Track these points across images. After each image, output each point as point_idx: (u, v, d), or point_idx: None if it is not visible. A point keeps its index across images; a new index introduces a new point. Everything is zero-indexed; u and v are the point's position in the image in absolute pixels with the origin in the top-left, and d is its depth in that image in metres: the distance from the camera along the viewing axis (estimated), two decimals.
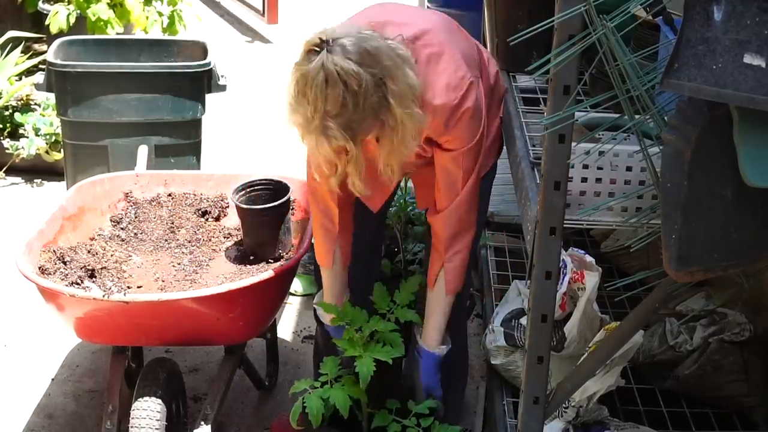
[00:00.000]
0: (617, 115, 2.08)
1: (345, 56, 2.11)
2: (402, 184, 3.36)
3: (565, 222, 1.91)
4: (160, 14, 5.27)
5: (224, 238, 3.16)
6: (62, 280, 2.75)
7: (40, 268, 2.75)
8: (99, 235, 3.07)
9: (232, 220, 3.22)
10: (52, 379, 3.27)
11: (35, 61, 4.93)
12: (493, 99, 2.58)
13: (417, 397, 2.62)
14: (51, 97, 4.40)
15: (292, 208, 3.15)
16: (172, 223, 3.16)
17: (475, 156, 2.41)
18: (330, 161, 2.25)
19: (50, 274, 2.75)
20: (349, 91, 2.10)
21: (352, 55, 2.11)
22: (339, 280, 2.67)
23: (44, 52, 4.25)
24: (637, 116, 1.75)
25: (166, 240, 3.11)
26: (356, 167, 2.23)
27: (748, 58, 1.38)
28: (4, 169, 4.64)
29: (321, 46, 2.12)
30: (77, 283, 2.76)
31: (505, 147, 2.68)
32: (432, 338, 2.58)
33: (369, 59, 2.13)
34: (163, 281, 2.87)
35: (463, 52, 2.39)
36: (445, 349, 2.59)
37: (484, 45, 3.35)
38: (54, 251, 2.85)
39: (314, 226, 2.65)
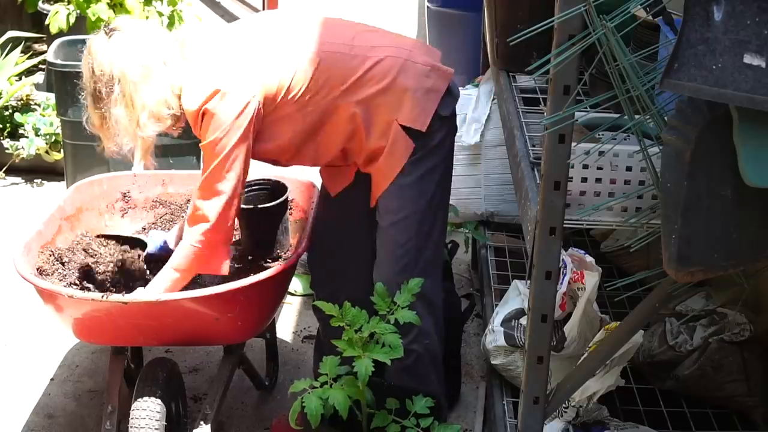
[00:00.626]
0: (617, 115, 2.08)
1: (109, 45, 2.55)
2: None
3: (565, 222, 1.91)
4: (160, 14, 5.27)
5: None
6: (60, 281, 2.75)
7: (38, 269, 2.75)
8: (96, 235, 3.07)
9: None
10: (52, 379, 3.27)
11: (35, 61, 4.93)
12: (377, 97, 2.61)
13: None
14: (51, 97, 4.40)
15: (290, 208, 3.15)
16: (172, 223, 3.16)
17: (209, 155, 2.60)
18: (98, 123, 2.65)
19: (48, 275, 2.75)
20: (92, 72, 2.56)
21: (112, 47, 2.55)
22: None
23: (44, 52, 4.25)
24: (637, 116, 1.75)
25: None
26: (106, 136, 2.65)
27: (748, 58, 1.38)
28: (4, 169, 4.64)
29: (105, 28, 2.59)
30: (75, 284, 2.76)
31: (506, 147, 2.68)
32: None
33: (122, 59, 2.54)
34: None
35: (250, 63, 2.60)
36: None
37: (484, 45, 3.35)
38: (52, 252, 2.84)
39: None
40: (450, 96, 2.69)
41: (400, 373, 2.75)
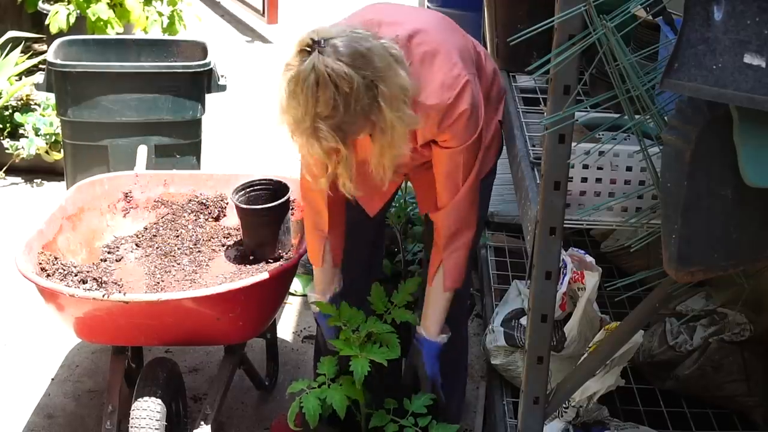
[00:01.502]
0: (617, 115, 2.08)
1: (336, 57, 2.09)
2: (402, 185, 3.36)
3: (565, 222, 1.91)
4: (160, 14, 5.27)
5: (224, 238, 3.16)
6: (61, 280, 2.75)
7: (39, 268, 2.75)
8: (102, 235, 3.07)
9: (231, 220, 3.22)
10: (52, 379, 3.27)
11: (35, 61, 4.93)
12: (490, 99, 2.57)
13: (422, 388, 2.62)
14: (51, 97, 4.40)
15: (292, 208, 3.15)
16: (174, 223, 3.17)
17: (474, 152, 2.40)
18: (320, 162, 2.25)
19: (50, 274, 2.75)
20: (340, 93, 2.09)
21: (343, 57, 2.10)
22: (328, 277, 2.69)
23: (44, 52, 4.25)
24: (637, 116, 1.75)
25: (166, 240, 3.11)
26: (347, 168, 2.22)
27: (748, 58, 1.38)
28: (4, 169, 4.64)
29: (313, 46, 2.11)
30: (79, 283, 2.77)
31: (505, 147, 2.68)
32: (431, 329, 2.58)
33: (360, 61, 2.12)
34: (162, 281, 2.87)
35: (459, 50, 2.38)
36: (446, 338, 2.59)
37: (484, 45, 3.35)
38: (53, 251, 2.85)
39: (306, 225, 2.65)
40: None
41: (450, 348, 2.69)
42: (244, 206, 2.94)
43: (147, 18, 5.18)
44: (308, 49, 2.11)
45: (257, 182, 3.05)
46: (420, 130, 2.33)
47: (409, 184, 3.32)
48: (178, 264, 2.98)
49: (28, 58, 5.01)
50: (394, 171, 2.36)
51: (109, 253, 3.04)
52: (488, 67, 2.58)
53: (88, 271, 2.86)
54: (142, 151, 3.44)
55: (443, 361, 2.61)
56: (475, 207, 2.49)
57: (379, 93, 2.14)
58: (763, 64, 1.37)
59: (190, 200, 3.25)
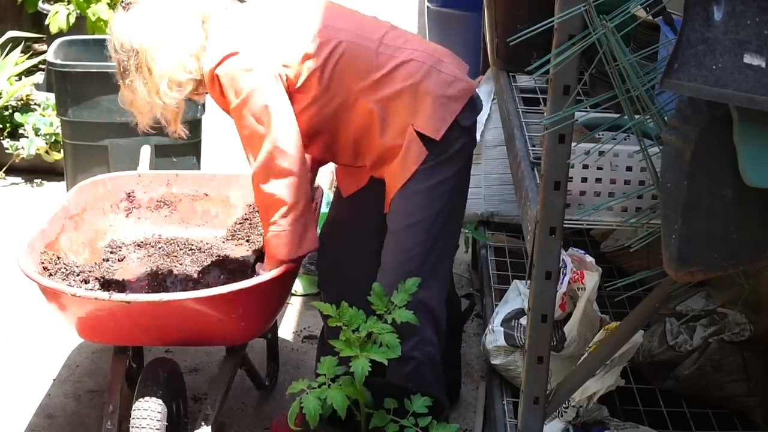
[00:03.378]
0: (617, 115, 2.08)
1: (126, 19, 2.63)
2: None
3: (565, 222, 1.91)
4: None
5: (227, 238, 3.17)
6: (64, 279, 2.76)
7: (42, 267, 2.75)
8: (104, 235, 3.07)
9: (233, 220, 3.23)
10: (53, 379, 3.27)
11: (35, 61, 4.93)
12: (399, 99, 2.60)
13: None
14: (51, 97, 4.40)
15: None
16: (178, 223, 3.18)
17: (249, 118, 2.57)
18: (124, 91, 2.71)
19: (52, 273, 2.75)
20: (113, 43, 2.64)
21: (129, 20, 2.62)
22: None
23: (44, 52, 4.25)
24: (637, 116, 1.75)
25: (168, 241, 3.12)
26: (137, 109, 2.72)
27: (748, 58, 1.38)
28: (4, 169, 4.65)
29: (122, 4, 2.65)
30: (81, 283, 2.77)
31: (506, 147, 2.68)
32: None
33: (138, 29, 2.61)
34: (164, 281, 2.87)
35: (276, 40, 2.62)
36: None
37: (484, 45, 3.35)
38: (56, 250, 2.85)
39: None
40: (472, 107, 2.68)
41: (401, 380, 2.74)
42: None
43: None
44: (121, 4, 2.67)
45: None
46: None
47: None
48: (181, 264, 2.98)
49: (28, 58, 5.01)
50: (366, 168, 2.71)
51: (111, 253, 3.04)
52: (406, 73, 2.62)
53: (90, 271, 2.86)
54: (145, 151, 3.44)
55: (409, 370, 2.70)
56: (281, 178, 2.60)
57: (139, 63, 2.61)
58: (763, 64, 1.37)
59: (193, 199, 3.25)
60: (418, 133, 2.59)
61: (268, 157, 2.58)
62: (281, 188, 2.60)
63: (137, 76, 2.62)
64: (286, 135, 2.58)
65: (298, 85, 2.60)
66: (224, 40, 2.61)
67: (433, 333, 2.76)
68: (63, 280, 2.75)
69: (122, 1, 2.67)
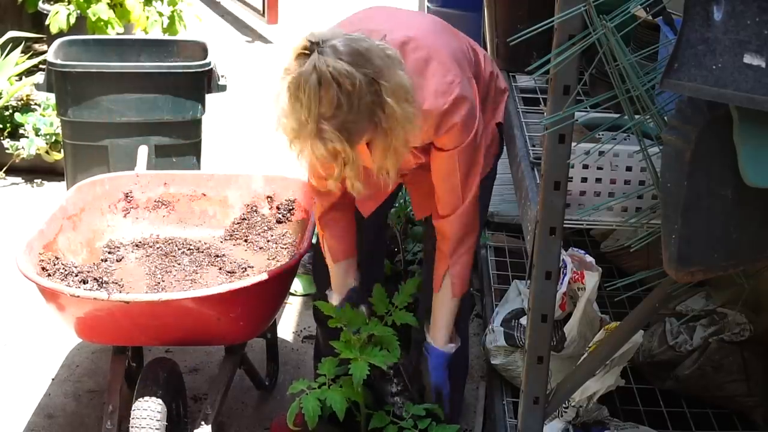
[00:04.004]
0: (617, 115, 2.08)
1: (336, 57, 2.09)
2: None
3: (565, 222, 1.91)
4: (160, 14, 5.27)
5: (225, 238, 3.17)
6: (62, 280, 2.75)
7: (40, 267, 2.75)
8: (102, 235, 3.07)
9: (231, 220, 3.23)
10: (53, 379, 3.27)
11: (35, 61, 4.93)
12: (488, 100, 2.57)
13: (426, 396, 2.62)
14: (51, 97, 4.40)
15: (292, 209, 3.15)
16: (176, 224, 3.17)
17: (472, 153, 2.39)
18: (326, 164, 2.25)
19: (50, 274, 2.75)
20: (343, 91, 2.08)
21: (343, 56, 2.09)
22: (341, 271, 2.70)
23: (44, 52, 4.25)
24: (637, 116, 1.75)
25: (166, 241, 3.11)
26: (353, 169, 2.20)
27: (748, 58, 1.38)
28: (4, 169, 4.64)
29: (311, 48, 2.10)
30: (80, 283, 2.77)
31: (505, 147, 2.68)
32: (441, 337, 2.58)
33: (360, 59, 2.11)
34: (163, 281, 2.87)
35: (453, 53, 2.37)
36: (454, 348, 2.60)
37: (484, 45, 3.35)
38: (54, 251, 2.85)
39: (320, 226, 2.65)
40: None
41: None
42: None
43: (147, 18, 5.18)
44: (306, 51, 2.11)
45: None
46: (418, 134, 2.32)
47: None
48: (179, 264, 2.98)
49: (28, 58, 5.01)
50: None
51: (109, 253, 3.04)
52: (486, 69, 2.58)
53: (88, 271, 2.86)
54: (143, 152, 3.44)
55: (452, 368, 2.63)
56: (477, 212, 2.50)
57: (382, 89, 2.13)
58: (763, 64, 1.37)
59: (191, 200, 3.25)
60: (497, 126, 2.60)
61: (476, 195, 2.46)
62: (476, 218, 2.52)
63: (391, 104, 2.17)
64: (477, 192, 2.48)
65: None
66: (432, 77, 2.31)
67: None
68: (62, 280, 2.75)
69: (318, 44, 2.12)
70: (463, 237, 2.49)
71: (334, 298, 2.69)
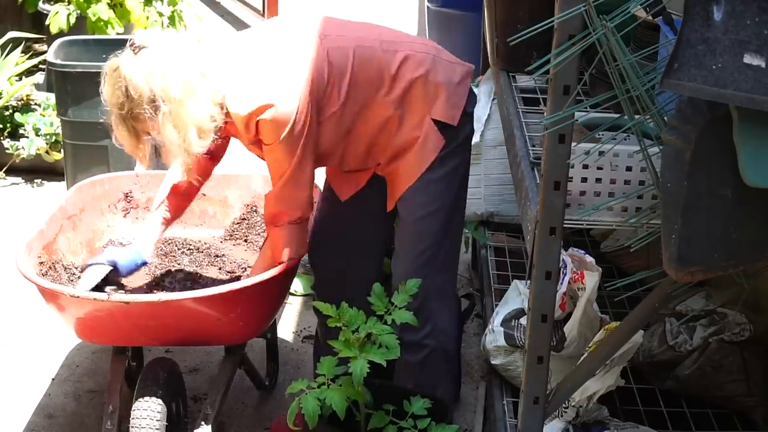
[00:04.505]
0: (617, 115, 2.08)
1: (142, 63, 2.38)
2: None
3: (565, 222, 1.91)
4: (161, 14, 5.27)
5: (225, 238, 3.16)
6: (63, 280, 2.75)
7: (40, 268, 2.75)
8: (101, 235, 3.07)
9: (231, 220, 3.23)
10: (53, 379, 3.27)
11: (35, 61, 4.93)
12: (411, 96, 2.62)
13: None
14: (51, 97, 4.40)
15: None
16: (176, 223, 3.17)
17: (285, 151, 2.52)
18: (131, 144, 2.51)
19: (44, 273, 2.75)
20: (127, 95, 2.39)
21: (145, 66, 2.38)
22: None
23: (44, 52, 4.25)
24: (637, 116, 1.75)
25: (166, 241, 3.11)
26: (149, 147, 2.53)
27: (748, 58, 1.38)
28: (4, 169, 4.65)
29: (132, 46, 2.40)
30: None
31: (506, 147, 2.68)
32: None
33: (159, 76, 2.38)
34: (163, 281, 2.87)
35: (311, 62, 2.53)
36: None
37: (484, 45, 3.35)
38: (54, 251, 2.85)
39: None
40: (472, 92, 2.74)
41: (410, 369, 2.75)
42: None
43: (147, 18, 5.18)
44: (130, 46, 2.41)
45: None
46: (238, 131, 2.57)
47: None
48: (179, 264, 2.98)
49: (28, 58, 5.01)
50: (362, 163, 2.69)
51: None
52: (408, 67, 2.63)
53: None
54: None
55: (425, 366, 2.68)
56: (298, 193, 2.61)
57: (159, 110, 2.39)
58: (763, 64, 1.37)
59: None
60: (435, 122, 2.61)
61: (282, 192, 2.61)
62: (291, 209, 2.64)
63: (163, 125, 2.41)
64: (304, 179, 2.60)
65: (322, 103, 2.57)
66: (249, 83, 2.52)
67: (447, 322, 2.77)
68: (62, 281, 2.75)
69: (130, 43, 2.42)
70: (279, 212, 2.64)
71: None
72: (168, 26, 5.27)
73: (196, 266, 2.98)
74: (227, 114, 2.52)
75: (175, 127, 2.42)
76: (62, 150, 4.21)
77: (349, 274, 2.89)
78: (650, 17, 2.08)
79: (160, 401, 2.60)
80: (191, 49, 2.48)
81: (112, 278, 2.76)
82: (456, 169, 2.71)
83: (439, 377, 2.80)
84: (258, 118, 2.49)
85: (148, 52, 2.39)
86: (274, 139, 2.52)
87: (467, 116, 2.71)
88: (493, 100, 3.73)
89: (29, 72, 5.02)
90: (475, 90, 3.84)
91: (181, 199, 2.89)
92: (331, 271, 2.94)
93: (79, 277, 2.81)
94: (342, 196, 2.82)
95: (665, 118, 1.67)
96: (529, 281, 2.03)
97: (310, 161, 2.59)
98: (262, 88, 2.51)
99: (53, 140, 4.56)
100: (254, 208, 3.24)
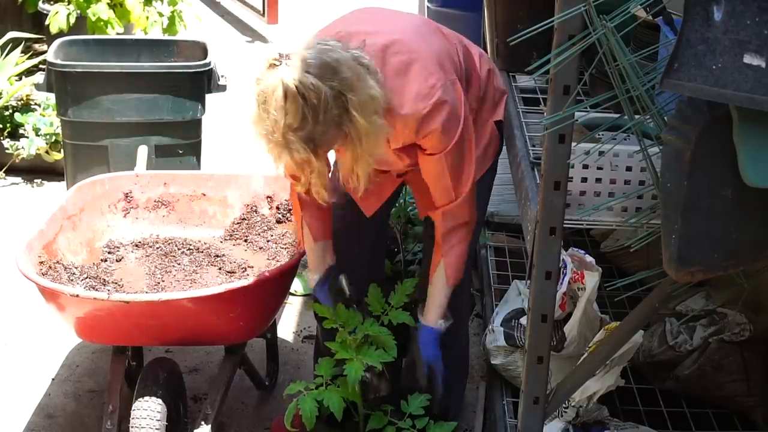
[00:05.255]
0: (617, 115, 2.08)
1: (304, 70, 2.13)
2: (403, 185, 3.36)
3: (565, 222, 1.91)
4: (160, 14, 5.27)
5: (225, 238, 3.16)
6: (62, 280, 2.75)
7: (40, 267, 2.75)
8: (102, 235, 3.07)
9: (231, 220, 3.23)
10: (53, 379, 3.27)
11: (35, 61, 4.93)
12: (485, 100, 2.58)
13: (418, 373, 2.61)
14: (51, 97, 4.40)
15: (292, 208, 3.15)
16: (176, 224, 3.17)
17: (458, 154, 2.40)
18: (293, 172, 2.32)
19: (43, 273, 2.75)
20: (309, 104, 2.13)
21: (311, 68, 2.14)
22: (318, 253, 2.70)
23: (44, 52, 4.25)
24: (637, 116, 1.75)
25: (166, 241, 3.11)
26: (319, 177, 2.26)
27: (748, 58, 1.38)
28: (4, 169, 4.64)
29: (279, 60, 2.15)
30: (80, 283, 2.77)
31: (505, 147, 2.68)
32: (432, 314, 2.59)
33: (328, 71, 2.15)
34: (163, 281, 2.87)
35: (437, 57, 2.38)
36: (443, 324, 2.59)
37: (484, 45, 3.35)
38: (54, 251, 2.85)
39: (300, 206, 2.66)
40: None
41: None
42: None
43: (147, 18, 5.18)
44: (276, 62, 2.16)
45: None
46: (399, 136, 2.36)
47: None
48: (179, 264, 2.98)
49: (28, 58, 5.01)
50: (392, 174, 2.48)
51: (109, 253, 3.04)
52: (483, 68, 2.59)
53: (88, 271, 2.86)
54: (143, 152, 3.44)
55: (447, 353, 2.62)
56: (471, 206, 2.51)
57: (349, 102, 2.17)
58: (763, 64, 1.37)
59: (191, 200, 3.25)
60: (496, 124, 2.61)
61: (472, 189, 2.47)
62: (473, 209, 2.53)
63: (361, 117, 2.20)
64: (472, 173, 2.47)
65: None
66: (408, 82, 2.32)
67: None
68: (62, 280, 2.75)
69: (276, 59, 2.16)
70: (454, 228, 2.51)
71: (313, 276, 2.69)
72: (168, 26, 5.27)
73: (196, 266, 2.98)
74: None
75: (365, 118, 2.20)
76: (62, 150, 4.20)
77: (350, 276, 2.88)
78: (650, 17, 2.08)
79: (160, 401, 2.60)
80: (331, 43, 2.24)
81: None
82: (494, 167, 2.69)
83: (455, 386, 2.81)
84: (436, 120, 2.31)
85: (296, 55, 2.17)
86: (446, 144, 2.36)
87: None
88: None
89: (29, 72, 5.02)
90: None
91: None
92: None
93: (77, 276, 2.81)
94: (367, 211, 2.72)
95: (665, 118, 1.67)
96: (529, 281, 2.03)
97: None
98: (423, 84, 2.32)
99: (53, 140, 4.56)
100: (254, 208, 3.24)
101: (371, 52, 2.28)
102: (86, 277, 2.83)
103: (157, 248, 3.08)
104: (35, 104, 4.73)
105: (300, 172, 2.27)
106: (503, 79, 2.70)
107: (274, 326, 3.19)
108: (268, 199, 3.25)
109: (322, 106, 2.14)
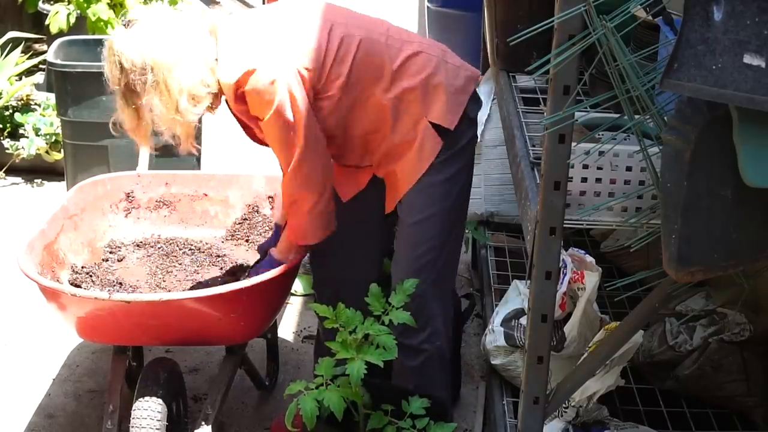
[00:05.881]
0: (617, 115, 2.08)
1: (131, 35, 2.51)
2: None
3: (565, 222, 1.91)
4: None
5: (226, 238, 3.17)
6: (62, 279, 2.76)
7: (41, 267, 2.75)
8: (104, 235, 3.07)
9: (233, 220, 3.23)
10: (53, 379, 3.27)
11: (35, 61, 4.93)
12: (412, 93, 2.61)
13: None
14: (51, 97, 4.41)
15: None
16: (177, 224, 3.18)
17: (282, 129, 2.54)
18: (131, 123, 2.60)
19: (52, 273, 2.75)
20: (121, 68, 2.51)
21: (136, 36, 2.51)
22: None
23: (44, 52, 4.25)
24: (637, 116, 1.75)
25: (168, 241, 3.12)
26: (152, 124, 2.59)
27: (747, 58, 1.38)
28: (4, 169, 4.65)
29: (124, 23, 2.56)
30: (78, 284, 2.77)
31: (506, 147, 2.68)
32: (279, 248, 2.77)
33: (149, 46, 2.49)
34: (164, 281, 2.87)
35: (306, 45, 2.55)
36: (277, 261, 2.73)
37: (484, 45, 3.35)
38: (55, 251, 2.85)
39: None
40: (476, 97, 2.72)
41: (408, 372, 2.75)
42: None
43: None
44: (123, 23, 2.58)
45: None
46: (229, 100, 2.62)
47: None
48: (180, 264, 2.98)
49: (28, 58, 5.01)
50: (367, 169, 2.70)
51: (111, 253, 3.04)
52: (412, 63, 2.63)
53: (90, 271, 2.86)
54: (144, 152, 3.44)
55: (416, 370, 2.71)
56: (304, 183, 2.62)
57: (149, 80, 2.49)
58: (763, 64, 1.37)
59: (192, 200, 3.25)
60: (433, 125, 2.61)
61: (296, 165, 2.58)
62: (309, 187, 2.63)
63: (154, 95, 2.50)
64: (314, 144, 2.58)
65: (319, 86, 2.57)
66: (240, 51, 2.55)
67: (442, 325, 2.77)
68: (62, 280, 2.76)
69: (122, 20, 2.57)
70: (293, 201, 2.65)
71: None
72: None
73: (198, 266, 2.99)
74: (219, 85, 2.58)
75: (167, 94, 2.50)
76: (62, 150, 4.21)
77: (349, 275, 2.89)
78: (650, 17, 2.08)
79: (160, 401, 2.60)
80: (183, 20, 2.57)
81: None
82: (457, 174, 2.69)
83: (434, 381, 2.80)
84: (245, 88, 2.52)
85: (139, 24, 2.53)
86: (263, 112, 2.53)
87: (469, 121, 2.69)
88: (493, 100, 3.73)
89: (29, 72, 5.02)
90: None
91: None
92: (331, 272, 2.94)
93: (78, 276, 2.82)
94: (343, 197, 2.81)
95: (665, 118, 1.67)
96: (529, 281, 2.03)
97: (316, 138, 2.58)
98: (248, 56, 2.54)
99: (53, 140, 4.56)
100: (256, 208, 3.24)
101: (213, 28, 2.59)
102: (87, 277, 2.83)
103: (159, 248, 3.09)
104: (35, 104, 4.74)
105: (133, 115, 2.59)
106: (448, 78, 2.67)
107: (274, 326, 3.19)
108: (270, 199, 3.25)
109: (129, 72, 2.50)
